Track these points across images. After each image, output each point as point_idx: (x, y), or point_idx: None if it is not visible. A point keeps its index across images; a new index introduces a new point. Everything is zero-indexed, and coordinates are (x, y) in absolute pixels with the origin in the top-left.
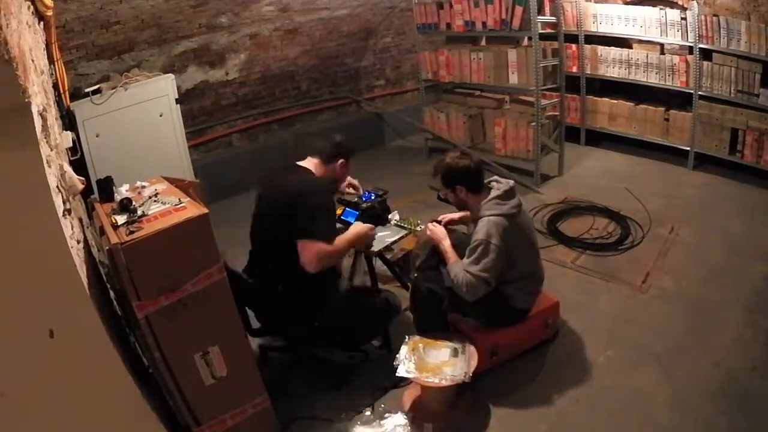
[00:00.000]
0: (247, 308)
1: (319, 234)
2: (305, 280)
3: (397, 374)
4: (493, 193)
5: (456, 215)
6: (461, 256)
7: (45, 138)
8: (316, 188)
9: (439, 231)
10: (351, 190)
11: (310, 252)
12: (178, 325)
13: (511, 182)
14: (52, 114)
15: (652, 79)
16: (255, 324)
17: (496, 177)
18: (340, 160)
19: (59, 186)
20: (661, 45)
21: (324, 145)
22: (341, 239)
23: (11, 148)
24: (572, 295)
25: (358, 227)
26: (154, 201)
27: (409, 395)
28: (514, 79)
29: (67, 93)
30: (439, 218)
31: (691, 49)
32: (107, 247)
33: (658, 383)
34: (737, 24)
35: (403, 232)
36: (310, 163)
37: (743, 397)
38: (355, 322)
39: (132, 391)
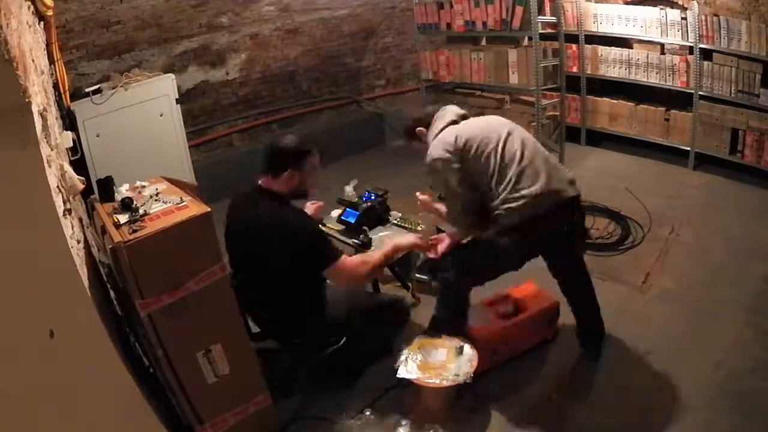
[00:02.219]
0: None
1: (333, 257)
2: (298, 299)
3: (397, 375)
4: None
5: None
6: None
7: (45, 138)
8: (291, 226)
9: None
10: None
11: (341, 275)
12: (181, 323)
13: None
14: (53, 114)
15: (653, 79)
16: (254, 328)
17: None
18: (288, 171)
19: (59, 186)
20: (662, 45)
21: (269, 158)
22: (378, 252)
23: (11, 148)
24: None
25: (397, 241)
26: (156, 200)
27: (409, 395)
28: (514, 79)
29: (67, 93)
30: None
31: (691, 49)
32: (110, 246)
33: (659, 383)
34: (738, 24)
35: (403, 232)
36: (265, 182)
37: (743, 398)
38: (355, 340)
39: (132, 391)
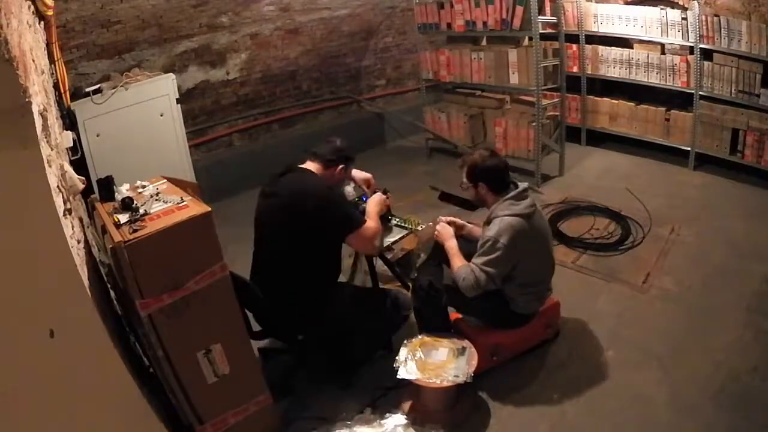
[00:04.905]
0: (246, 311)
1: (358, 222)
2: (309, 284)
3: (398, 376)
4: (507, 194)
5: (466, 224)
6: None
7: (45, 138)
8: (327, 187)
9: (446, 231)
10: (364, 187)
11: (364, 239)
12: (181, 323)
13: (525, 184)
14: (53, 114)
15: (653, 79)
16: (255, 326)
17: (513, 180)
18: (339, 167)
19: (59, 186)
20: (662, 45)
21: (324, 150)
22: (372, 216)
23: (11, 148)
24: (573, 295)
25: (374, 199)
26: (156, 200)
27: (409, 395)
28: (514, 79)
29: (67, 93)
30: (450, 219)
31: (691, 49)
32: (110, 246)
33: (659, 383)
34: (738, 24)
35: (404, 232)
36: (310, 165)
37: (743, 398)
38: (357, 332)
39: (132, 391)
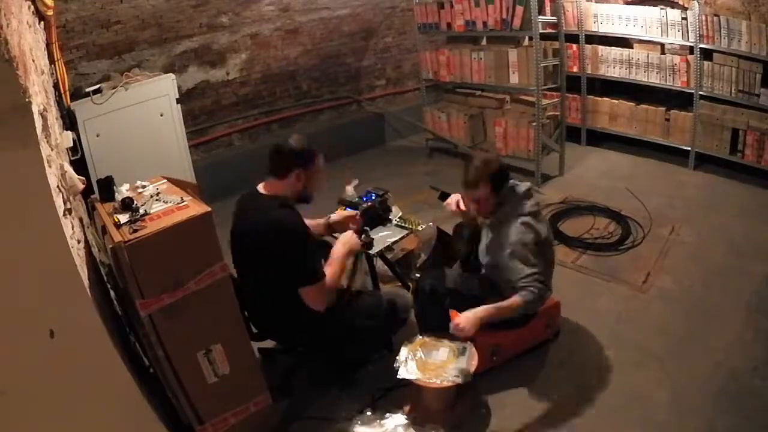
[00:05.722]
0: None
1: (314, 276)
2: (298, 304)
3: (398, 376)
4: (514, 194)
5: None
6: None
7: (45, 138)
8: (285, 228)
9: (472, 326)
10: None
11: (315, 297)
12: (181, 323)
13: (528, 184)
14: (53, 114)
15: (653, 79)
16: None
17: (512, 179)
18: (295, 172)
19: (59, 186)
20: (662, 45)
21: (274, 161)
22: (333, 262)
23: (11, 148)
24: (573, 295)
25: (343, 240)
26: (156, 200)
27: (409, 395)
28: (514, 79)
29: (67, 93)
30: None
31: (691, 49)
32: (110, 246)
33: (659, 383)
34: (738, 24)
35: (404, 232)
36: (268, 185)
37: (744, 398)
38: (353, 337)
39: (132, 391)
